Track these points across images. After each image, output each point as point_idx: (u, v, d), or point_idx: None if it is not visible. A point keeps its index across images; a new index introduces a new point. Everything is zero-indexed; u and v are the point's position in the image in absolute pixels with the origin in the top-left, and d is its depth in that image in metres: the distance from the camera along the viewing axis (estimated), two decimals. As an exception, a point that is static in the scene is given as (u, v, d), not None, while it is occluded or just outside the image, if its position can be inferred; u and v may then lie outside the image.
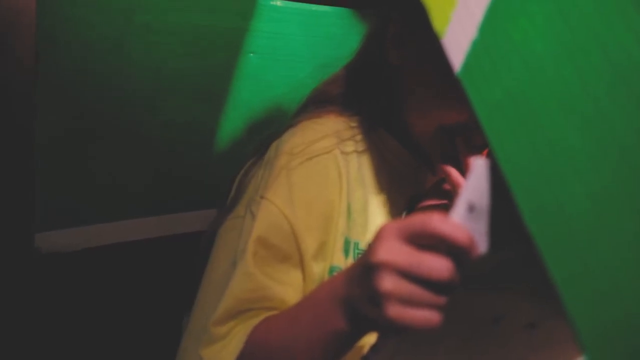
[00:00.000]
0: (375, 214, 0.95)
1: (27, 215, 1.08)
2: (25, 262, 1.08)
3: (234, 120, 1.32)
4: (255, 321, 0.82)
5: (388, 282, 0.58)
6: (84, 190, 1.18)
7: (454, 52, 0.56)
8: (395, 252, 0.59)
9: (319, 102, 1.04)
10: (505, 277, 0.63)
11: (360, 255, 0.66)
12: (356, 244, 0.92)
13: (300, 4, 1.38)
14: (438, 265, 0.57)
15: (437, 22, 0.57)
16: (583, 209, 0.48)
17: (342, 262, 0.91)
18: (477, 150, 0.93)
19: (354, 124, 0.98)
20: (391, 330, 0.61)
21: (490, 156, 0.91)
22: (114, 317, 1.25)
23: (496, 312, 0.67)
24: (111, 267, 1.23)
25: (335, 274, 0.82)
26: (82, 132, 1.16)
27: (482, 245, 0.57)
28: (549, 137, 0.49)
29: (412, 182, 1.01)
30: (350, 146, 0.96)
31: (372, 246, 0.61)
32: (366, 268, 0.61)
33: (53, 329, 1.17)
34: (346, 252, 0.92)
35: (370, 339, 0.69)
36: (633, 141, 0.45)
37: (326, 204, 0.90)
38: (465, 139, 0.90)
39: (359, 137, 0.97)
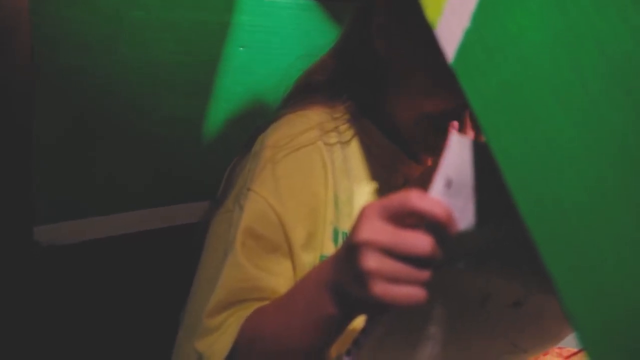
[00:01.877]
0: (361, 203, 0.95)
1: (26, 209, 1.08)
2: (25, 254, 1.09)
3: (225, 113, 1.33)
4: (247, 312, 0.82)
5: (371, 261, 0.59)
6: (81, 183, 1.19)
7: (447, 41, 0.56)
8: (377, 231, 0.60)
9: (303, 92, 1.05)
10: (491, 255, 0.64)
11: (344, 239, 0.67)
12: (344, 234, 0.93)
13: (289, -3, 1.39)
14: (419, 242, 0.58)
15: (429, 11, 0.57)
16: (579, 202, 0.48)
17: (332, 251, 0.90)
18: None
19: (337, 115, 0.99)
20: (378, 309, 0.62)
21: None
22: (113, 308, 1.25)
23: (482, 291, 0.68)
24: (110, 259, 1.23)
25: (324, 259, 0.83)
26: (78, 128, 1.17)
27: (462, 220, 0.58)
28: (545, 128, 0.50)
29: (396, 171, 1.01)
30: (333, 137, 0.96)
31: (354, 226, 0.62)
32: (350, 248, 0.62)
33: (53, 320, 1.18)
34: (335, 241, 0.92)
35: (361, 324, 0.70)
36: (628, 133, 0.46)
37: (312, 194, 0.91)
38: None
39: (342, 128, 0.98)
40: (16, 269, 1.09)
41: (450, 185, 0.56)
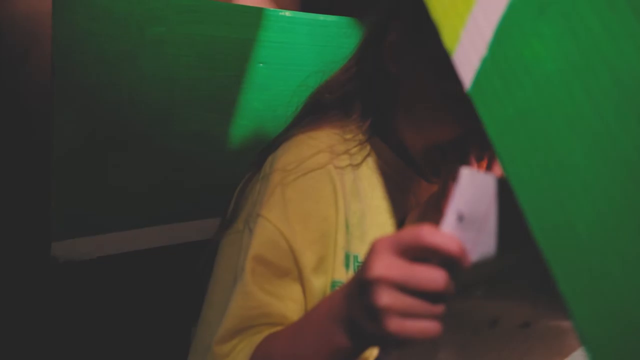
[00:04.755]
0: (372, 225, 0.95)
1: (43, 225, 1.09)
2: (42, 270, 1.10)
3: (244, 129, 1.33)
4: (257, 338, 0.83)
5: (385, 297, 0.59)
6: (99, 199, 1.19)
7: (464, 69, 0.57)
8: (389, 267, 0.60)
9: (314, 111, 1.05)
10: (502, 280, 0.64)
11: (356, 272, 0.67)
12: (355, 257, 0.92)
13: (308, 14, 1.39)
14: (432, 276, 0.58)
15: (447, 39, 0.58)
16: (593, 228, 0.48)
17: (344, 276, 0.91)
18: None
19: (348, 136, 0.98)
20: (392, 343, 0.62)
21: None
22: (129, 324, 1.26)
23: (492, 315, 0.68)
24: (127, 276, 1.24)
25: (335, 289, 0.83)
26: (97, 143, 1.17)
27: (475, 253, 0.58)
28: (558, 155, 0.50)
29: (407, 191, 1.01)
30: (344, 160, 0.96)
31: (366, 262, 0.62)
32: (362, 284, 0.62)
33: (70, 336, 1.19)
34: (347, 266, 0.92)
35: (373, 351, 0.71)
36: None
37: (322, 219, 0.91)
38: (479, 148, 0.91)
39: (353, 150, 0.97)
40: (33, 285, 1.10)
41: (462, 219, 0.57)
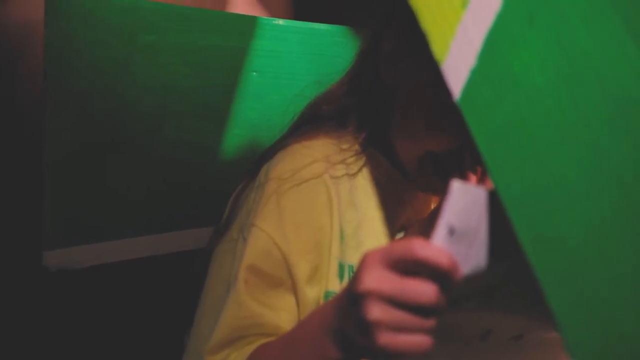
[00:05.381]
0: (368, 235, 0.95)
1: (35, 234, 1.09)
2: (34, 279, 1.09)
3: (238, 138, 1.32)
4: (249, 348, 0.82)
5: (376, 311, 0.59)
6: (91, 208, 1.19)
7: (453, 79, 0.56)
8: (380, 280, 0.59)
9: (311, 121, 1.04)
10: (493, 292, 0.64)
11: (347, 284, 0.67)
12: (350, 267, 0.92)
13: (302, 22, 1.38)
14: (423, 290, 0.57)
15: (436, 49, 0.58)
16: (581, 239, 0.48)
17: (337, 286, 0.91)
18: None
19: (344, 146, 0.98)
20: (384, 357, 0.62)
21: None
22: (122, 334, 1.25)
23: (485, 327, 0.68)
24: (120, 285, 1.23)
25: (327, 301, 0.82)
26: (89, 151, 1.17)
27: (466, 266, 0.58)
28: (548, 167, 0.50)
29: (403, 202, 1.01)
30: (340, 170, 0.95)
31: (356, 275, 0.62)
32: (353, 298, 0.62)
33: (62, 347, 1.18)
34: (341, 276, 0.91)
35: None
36: (630, 172, 0.46)
37: (317, 229, 0.90)
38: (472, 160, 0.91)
39: (350, 160, 0.97)
40: (25, 295, 1.09)
41: (453, 233, 0.56)
